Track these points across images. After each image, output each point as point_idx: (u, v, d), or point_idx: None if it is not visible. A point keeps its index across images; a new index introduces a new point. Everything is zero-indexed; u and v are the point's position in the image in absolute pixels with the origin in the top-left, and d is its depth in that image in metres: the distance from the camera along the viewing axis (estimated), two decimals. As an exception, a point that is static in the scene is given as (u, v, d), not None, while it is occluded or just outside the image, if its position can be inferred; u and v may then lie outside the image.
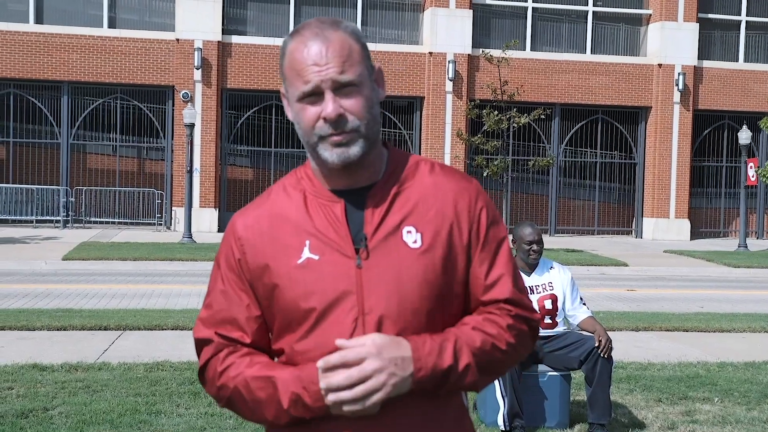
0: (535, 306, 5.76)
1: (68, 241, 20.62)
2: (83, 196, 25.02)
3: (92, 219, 25.13)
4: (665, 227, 27.81)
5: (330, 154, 1.84)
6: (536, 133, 27.46)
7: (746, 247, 24.39)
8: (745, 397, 6.96)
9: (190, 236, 21.56)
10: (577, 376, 6.57)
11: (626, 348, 8.91)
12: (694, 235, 28.25)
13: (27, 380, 6.88)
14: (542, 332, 5.90)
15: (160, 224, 25.19)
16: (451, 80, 26.27)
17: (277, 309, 1.86)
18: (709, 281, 17.44)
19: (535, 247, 6.07)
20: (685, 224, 27.99)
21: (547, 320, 5.98)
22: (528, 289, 5.63)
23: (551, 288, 6.03)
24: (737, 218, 26.91)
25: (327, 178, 1.90)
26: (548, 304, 5.99)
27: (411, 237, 1.83)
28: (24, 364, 7.43)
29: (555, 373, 6.02)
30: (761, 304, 13.57)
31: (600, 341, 5.81)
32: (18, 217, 24.49)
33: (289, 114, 1.92)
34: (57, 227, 24.21)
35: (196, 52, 24.91)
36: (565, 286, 6.06)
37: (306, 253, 1.83)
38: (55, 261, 17.04)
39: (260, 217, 1.92)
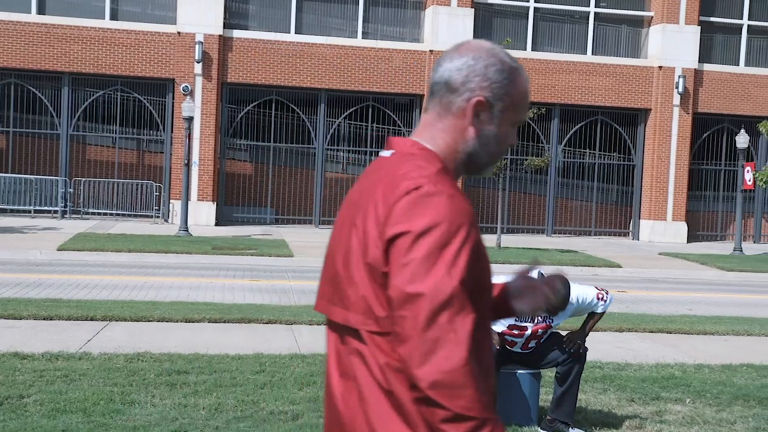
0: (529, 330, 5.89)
1: (65, 231, 20.72)
2: (82, 187, 25.11)
3: (90, 210, 25.22)
4: (662, 230, 27.84)
5: (489, 169, 2.12)
6: (535, 133, 27.49)
7: (741, 251, 24.43)
8: (717, 398, 7.02)
9: (187, 229, 21.64)
10: (547, 374, 6.65)
11: (607, 348, 8.98)
12: (691, 238, 28.27)
13: (6, 368, 6.96)
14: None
15: (158, 216, 25.28)
16: (451, 79, 26.24)
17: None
18: (701, 284, 17.48)
19: None
20: (682, 227, 28.01)
21: (532, 344, 6.04)
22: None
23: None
24: (734, 222, 26.93)
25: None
26: (539, 332, 6.05)
27: None
28: (5, 353, 7.52)
29: (525, 372, 6.08)
30: (749, 307, 13.62)
31: (570, 342, 5.90)
32: (16, 207, 24.59)
33: (489, 125, 2.04)
34: (55, 218, 24.32)
35: (197, 46, 24.98)
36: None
37: None
38: (50, 251, 17.13)
39: None
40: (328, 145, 27.08)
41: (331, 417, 1.97)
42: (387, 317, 1.80)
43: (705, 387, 7.39)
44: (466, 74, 1.97)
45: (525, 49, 27.20)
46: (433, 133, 2.00)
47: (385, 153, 2.02)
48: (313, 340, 8.94)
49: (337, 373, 1.94)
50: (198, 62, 25.09)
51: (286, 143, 26.97)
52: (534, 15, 27.70)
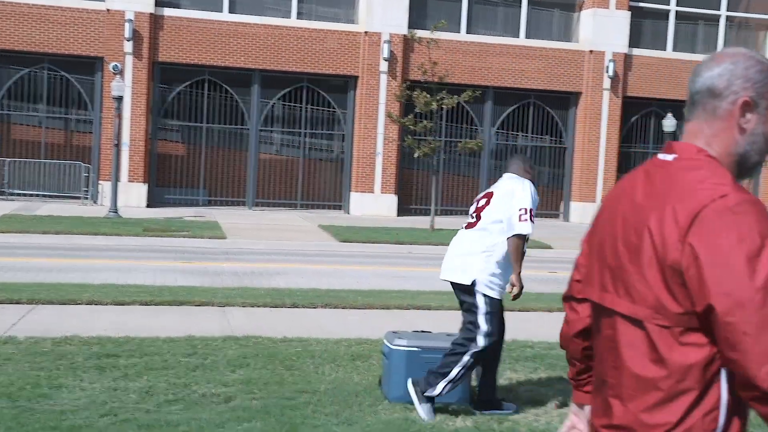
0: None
1: (-10, 213, 20.19)
2: (7, 168, 24.47)
3: (16, 191, 24.58)
4: (592, 211, 28.27)
5: (759, 168, 2.16)
6: (469, 116, 27.67)
7: (668, 232, 25.01)
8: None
9: (116, 211, 21.28)
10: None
11: (536, 328, 9.10)
12: (620, 219, 28.80)
13: (-72, 353, 6.77)
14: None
15: (87, 198, 24.78)
16: (386, 60, 26.27)
17: None
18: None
19: None
20: (612, 209, 28.52)
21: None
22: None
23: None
24: (661, 204, 27.49)
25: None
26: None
27: None
28: (-74, 337, 7.30)
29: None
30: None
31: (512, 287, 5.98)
32: (-62, 188, 23.87)
33: (755, 124, 2.07)
34: (-21, 199, 23.68)
35: (127, 24, 24.48)
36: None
37: None
38: (-26, 233, 16.68)
39: None
40: (261, 126, 26.85)
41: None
42: (683, 314, 1.91)
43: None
44: (727, 78, 2.07)
45: (459, 32, 27.30)
46: (706, 140, 2.09)
47: (665, 156, 2.09)
48: (247, 322, 8.90)
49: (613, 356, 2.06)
50: (128, 40, 24.59)
51: (219, 124, 26.65)
52: (468, -3, 27.80)
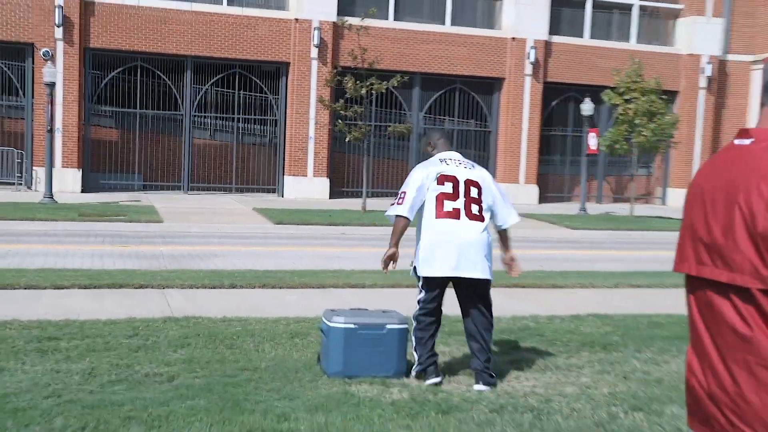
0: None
1: None
2: (-62, 155, 23.69)
3: (-52, 178, 23.86)
4: (515, 192, 28.68)
5: None
6: (397, 101, 27.75)
7: (586, 210, 25.56)
8: (567, 346, 7.37)
9: (51, 196, 20.81)
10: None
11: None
12: (542, 199, 29.33)
13: None
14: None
15: (20, 184, 24.17)
16: (316, 47, 26.15)
17: None
18: (551, 242, 18.19)
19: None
20: (534, 189, 29.01)
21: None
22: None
23: None
24: (580, 184, 28.07)
25: None
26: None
27: None
28: None
29: (394, 327, 6.20)
30: (593, 262, 14.30)
31: None
32: None
33: None
34: None
35: (56, 10, 23.86)
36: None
37: None
38: None
39: None
40: (195, 112, 26.50)
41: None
42: None
43: (556, 336, 7.74)
44: None
45: (387, 19, 27.31)
46: None
47: (742, 141, 2.26)
48: (186, 303, 8.83)
49: (715, 328, 2.23)
50: (58, 26, 23.99)
51: (153, 110, 26.22)
52: (395, -14, 27.81)
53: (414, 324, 6.16)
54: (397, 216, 6.06)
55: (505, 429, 5.04)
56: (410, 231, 6.18)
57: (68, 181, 24.29)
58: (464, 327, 6.22)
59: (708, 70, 30.70)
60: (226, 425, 4.86)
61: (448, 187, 6.04)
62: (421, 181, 6.09)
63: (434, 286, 6.06)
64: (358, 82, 21.76)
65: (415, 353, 6.15)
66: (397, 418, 5.14)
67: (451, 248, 5.95)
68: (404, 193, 6.07)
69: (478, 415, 5.29)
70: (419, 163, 6.52)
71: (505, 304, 9.64)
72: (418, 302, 6.16)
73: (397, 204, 6.08)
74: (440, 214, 6.02)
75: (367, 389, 5.77)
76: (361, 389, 5.75)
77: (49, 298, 8.86)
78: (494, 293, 10.24)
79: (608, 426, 5.19)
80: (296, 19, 26.25)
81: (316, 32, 26.06)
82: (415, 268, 6.17)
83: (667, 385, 6.20)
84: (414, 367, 6.14)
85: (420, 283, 6.15)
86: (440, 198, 6.03)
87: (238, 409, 5.13)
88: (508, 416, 5.28)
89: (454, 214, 6.00)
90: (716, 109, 31.63)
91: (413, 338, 6.16)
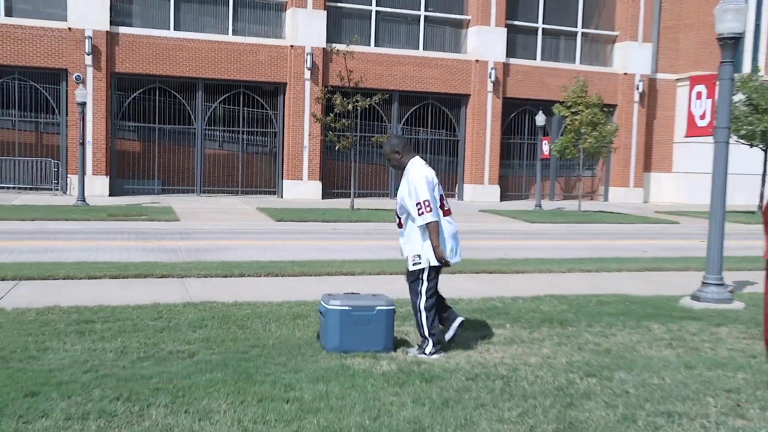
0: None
1: (-29, 204, 19.27)
2: (-15, 165, 23.39)
3: (-6, 185, 23.56)
4: (481, 191, 28.77)
5: None
6: (379, 115, 27.69)
7: (541, 207, 25.60)
8: (529, 322, 7.35)
9: (84, 200, 20.60)
10: (404, 309, 6.76)
11: (441, 288, 9.13)
12: (503, 197, 29.37)
13: (-74, 326, 6.43)
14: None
15: (57, 189, 23.92)
16: (309, 69, 26.05)
17: None
18: (512, 234, 18.17)
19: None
20: (496, 189, 29.05)
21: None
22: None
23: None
24: (535, 184, 28.13)
25: None
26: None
27: None
28: (-77, 312, 6.94)
29: (383, 307, 6.14)
30: (549, 250, 14.30)
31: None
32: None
33: None
34: (-39, 192, 22.57)
35: (86, 40, 23.62)
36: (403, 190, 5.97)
37: None
38: (-42, 222, 15.89)
39: None
40: (206, 126, 26.32)
41: None
42: None
43: (520, 314, 7.72)
44: None
45: (369, 45, 27.24)
46: None
47: None
48: (203, 290, 8.74)
49: None
50: (88, 54, 23.75)
51: (170, 124, 26.02)
52: (376, 16, 27.75)
53: (424, 313, 5.98)
54: (429, 222, 5.82)
55: (480, 394, 5.02)
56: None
57: (97, 187, 24.06)
58: (435, 305, 6.15)
59: (641, 87, 30.85)
60: (240, 394, 4.80)
61: (439, 189, 6.01)
62: (431, 185, 5.88)
63: (437, 273, 6.01)
64: (345, 99, 21.69)
65: (430, 339, 5.98)
66: (387, 387, 5.10)
67: (452, 240, 6.02)
68: (427, 201, 5.78)
69: (456, 382, 5.26)
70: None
71: (475, 287, 9.63)
72: (425, 292, 5.98)
73: (426, 212, 5.79)
74: (444, 213, 6.00)
75: (360, 362, 5.72)
76: (355, 362, 5.70)
77: (84, 287, 8.75)
78: (465, 278, 10.30)
79: (567, 390, 5.17)
80: (291, 46, 26.13)
81: (308, 57, 25.95)
82: (419, 261, 5.97)
83: (615, 355, 6.20)
84: (430, 349, 5.96)
85: (426, 274, 5.96)
86: (441, 199, 6.00)
87: (250, 381, 5.08)
88: (482, 383, 5.26)
89: (448, 212, 6.06)
90: (648, 120, 31.80)
91: (427, 326, 5.96)
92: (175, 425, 4.26)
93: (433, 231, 5.80)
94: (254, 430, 4.26)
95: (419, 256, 5.94)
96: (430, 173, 5.97)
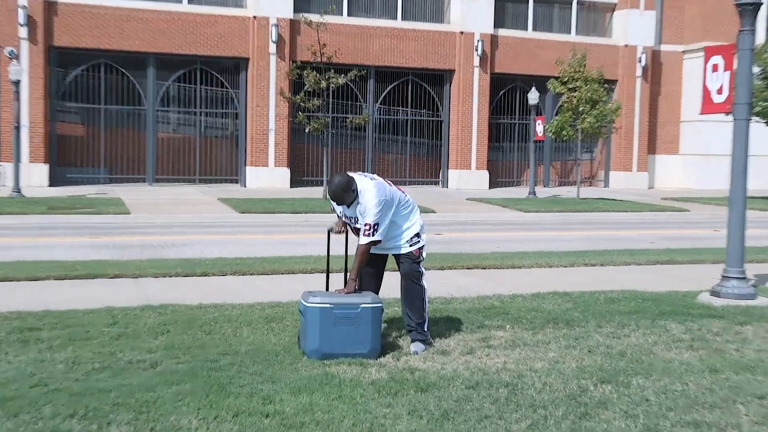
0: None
1: None
2: None
3: None
4: (467, 178, 28.79)
5: None
6: (354, 93, 27.57)
7: (535, 194, 25.69)
8: (532, 323, 7.33)
9: (20, 191, 20.28)
10: (390, 310, 6.70)
11: (432, 285, 9.08)
12: (492, 184, 29.43)
13: None
14: None
15: (-12, 180, 23.52)
16: (274, 43, 25.85)
17: None
18: (504, 224, 18.20)
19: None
20: (485, 175, 29.08)
21: None
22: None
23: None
24: (528, 169, 28.21)
25: None
26: None
27: None
28: None
29: (369, 305, 6.07)
30: (546, 242, 14.32)
31: None
32: None
33: None
34: None
35: (20, 10, 23.21)
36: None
37: None
38: None
39: None
40: (158, 107, 26.03)
41: None
42: None
43: (521, 314, 7.69)
44: None
45: (341, 15, 27.08)
46: None
47: None
48: (162, 291, 8.62)
49: None
50: (22, 26, 23.35)
51: (117, 105, 25.70)
52: (349, -17, 27.57)
53: (426, 299, 6.47)
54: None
55: (483, 404, 4.98)
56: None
57: (35, 176, 23.71)
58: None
59: (643, 59, 31.03)
60: (213, 408, 4.72)
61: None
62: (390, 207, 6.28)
63: None
64: (318, 75, 21.53)
65: (426, 331, 6.43)
66: (379, 397, 5.05)
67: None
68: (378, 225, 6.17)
69: (456, 391, 5.21)
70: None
71: (469, 284, 9.61)
72: (423, 279, 6.48)
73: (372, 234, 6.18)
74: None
75: (346, 370, 5.65)
76: (341, 370, 5.64)
77: (25, 289, 8.58)
78: (458, 273, 10.28)
79: (580, 398, 5.15)
80: (254, 17, 25.90)
81: (273, 29, 25.75)
82: (417, 240, 6.41)
83: (630, 358, 6.19)
84: (429, 339, 6.45)
85: (422, 262, 6.46)
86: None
87: (223, 393, 4.99)
88: (484, 392, 5.22)
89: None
90: (652, 96, 32.01)
91: (427, 315, 6.45)
92: (139, 445, 4.17)
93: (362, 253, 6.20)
94: (231, 449, 4.17)
95: (418, 235, 6.40)
96: (393, 188, 6.50)
